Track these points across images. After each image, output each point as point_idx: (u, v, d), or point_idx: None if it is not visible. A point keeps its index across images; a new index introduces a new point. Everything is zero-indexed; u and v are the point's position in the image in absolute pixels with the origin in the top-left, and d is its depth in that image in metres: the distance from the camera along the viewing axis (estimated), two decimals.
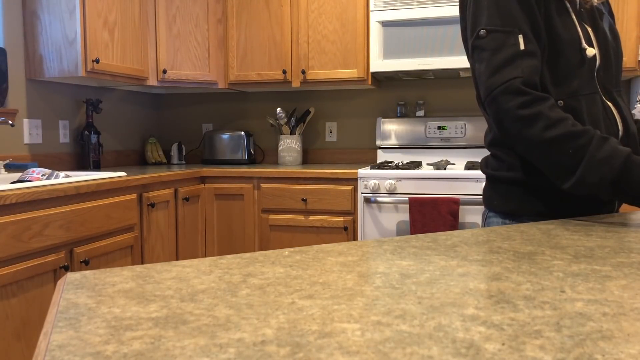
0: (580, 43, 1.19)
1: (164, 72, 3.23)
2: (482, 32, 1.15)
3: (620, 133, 1.23)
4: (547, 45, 1.18)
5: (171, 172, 2.89)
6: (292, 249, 0.89)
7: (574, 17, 1.20)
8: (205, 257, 2.63)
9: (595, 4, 1.27)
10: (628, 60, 2.90)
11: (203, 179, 3.18)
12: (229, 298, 0.62)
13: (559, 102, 1.17)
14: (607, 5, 1.35)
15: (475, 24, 1.17)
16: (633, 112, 2.91)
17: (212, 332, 0.52)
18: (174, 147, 3.73)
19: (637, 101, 2.87)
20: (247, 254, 0.86)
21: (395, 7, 3.07)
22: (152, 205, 2.68)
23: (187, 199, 2.97)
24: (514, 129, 1.13)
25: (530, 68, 1.12)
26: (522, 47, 1.12)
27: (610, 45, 1.26)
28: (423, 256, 0.83)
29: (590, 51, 1.18)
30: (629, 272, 0.73)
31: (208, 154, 3.65)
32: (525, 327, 0.53)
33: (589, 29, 1.23)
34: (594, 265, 0.77)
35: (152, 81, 3.24)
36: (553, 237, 0.98)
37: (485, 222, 1.33)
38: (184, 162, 3.75)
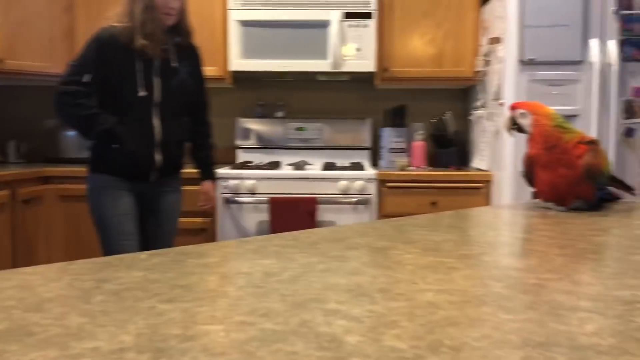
0: (137, 88, 2.04)
1: (0, 61, 2.93)
2: (74, 61, 2.07)
3: (156, 143, 2.08)
4: (110, 85, 2.03)
5: (7, 172, 2.63)
6: (149, 252, 0.85)
7: (139, 73, 2.03)
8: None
9: (175, 65, 2.11)
10: (466, 70, 3.17)
11: (46, 179, 2.93)
12: (82, 305, 0.58)
13: (121, 121, 2.03)
14: (192, 66, 2.19)
15: (78, 53, 2.07)
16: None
17: (63, 342, 0.48)
18: (11, 145, 3.39)
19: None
20: (100, 258, 0.81)
21: (255, 8, 3.08)
22: None
23: (27, 202, 2.71)
24: (61, 107, 2.05)
25: (80, 90, 2.00)
26: (83, 80, 2.01)
27: (172, 92, 2.11)
28: (285, 254, 0.84)
29: (141, 93, 2.04)
30: (471, 263, 0.80)
31: (52, 152, 3.37)
32: (383, 318, 0.56)
33: (157, 80, 2.07)
34: (440, 258, 0.83)
35: None
36: (404, 232, 1.05)
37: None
38: (23, 160, 3.42)
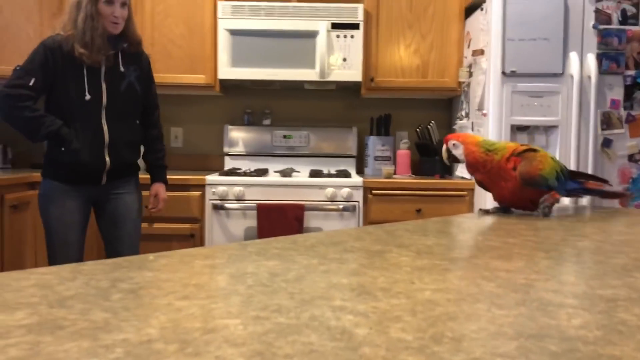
0: (84, 92, 2.14)
1: None
2: (19, 67, 2.13)
3: (106, 144, 2.19)
4: (57, 90, 2.13)
5: None
6: (156, 254, 0.89)
7: (85, 78, 2.14)
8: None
9: (122, 71, 2.22)
10: (450, 81, 3.25)
11: (33, 185, 2.93)
12: (102, 302, 0.62)
13: (69, 125, 2.12)
14: (140, 71, 2.29)
15: (24, 60, 2.14)
16: None
17: (94, 334, 0.51)
18: None
19: None
20: (109, 260, 0.84)
21: (244, 17, 3.12)
22: None
23: (15, 207, 2.71)
24: (6, 109, 2.11)
25: (25, 94, 2.08)
26: (30, 84, 2.09)
27: (120, 96, 2.22)
28: (287, 256, 0.88)
29: (87, 97, 2.14)
30: (463, 265, 0.85)
31: (38, 158, 3.36)
32: (387, 314, 0.60)
33: (104, 85, 2.18)
34: (434, 260, 0.88)
35: None
36: (397, 237, 1.09)
37: None
38: (9, 166, 3.41)
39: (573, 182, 1.52)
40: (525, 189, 1.42)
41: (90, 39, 2.11)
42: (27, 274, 0.73)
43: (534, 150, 1.45)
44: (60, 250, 2.20)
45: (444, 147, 1.52)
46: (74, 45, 2.10)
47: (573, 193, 1.55)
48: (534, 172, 1.40)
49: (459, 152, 1.48)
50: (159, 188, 2.43)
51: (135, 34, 2.28)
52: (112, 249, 2.32)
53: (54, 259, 2.22)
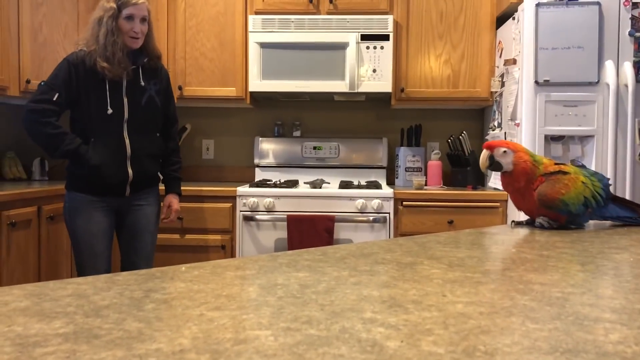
0: (106, 106, 2.21)
1: (28, 82, 3.02)
2: (44, 82, 2.21)
3: (128, 157, 2.25)
4: (81, 105, 2.20)
5: (33, 189, 2.69)
6: (188, 265, 0.90)
7: (107, 93, 2.21)
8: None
9: (142, 85, 2.29)
10: (481, 91, 3.22)
11: None
12: (136, 312, 0.62)
13: (91, 139, 2.20)
14: (159, 85, 2.37)
15: (49, 75, 2.23)
16: None
17: (128, 344, 0.52)
18: (36, 162, 3.47)
19: None
20: (143, 271, 0.85)
21: (274, 30, 3.15)
22: (13, 224, 2.48)
23: (51, 218, 2.78)
24: (29, 123, 2.16)
25: (49, 108, 2.15)
26: (54, 98, 2.15)
27: (141, 109, 2.29)
28: (317, 268, 0.88)
29: (109, 111, 2.21)
30: (496, 278, 0.84)
31: None
32: (418, 327, 0.59)
33: (125, 99, 2.25)
34: (466, 273, 0.87)
35: (14, 91, 3.00)
36: (428, 249, 1.08)
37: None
38: (46, 178, 3.50)
39: (620, 207, 1.43)
40: (542, 210, 1.39)
41: (112, 53, 2.19)
42: (64, 283, 0.75)
43: (565, 173, 1.39)
44: (89, 262, 2.25)
45: (486, 153, 1.43)
46: (97, 60, 2.18)
47: (618, 220, 1.44)
48: (553, 195, 1.35)
49: (507, 161, 1.40)
50: (173, 199, 2.47)
51: (155, 49, 2.35)
52: (128, 259, 2.38)
53: (83, 270, 2.27)
